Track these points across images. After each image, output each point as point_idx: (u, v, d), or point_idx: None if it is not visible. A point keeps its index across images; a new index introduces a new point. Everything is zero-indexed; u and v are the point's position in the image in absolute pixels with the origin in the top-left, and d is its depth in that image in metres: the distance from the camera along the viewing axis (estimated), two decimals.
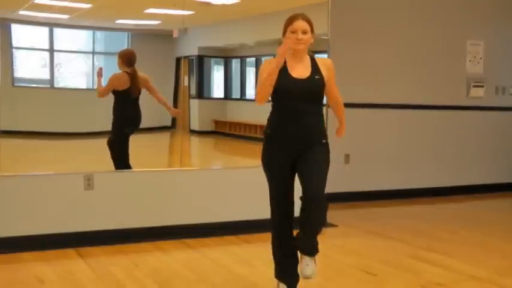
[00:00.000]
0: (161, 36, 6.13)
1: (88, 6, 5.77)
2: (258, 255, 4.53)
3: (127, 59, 5.28)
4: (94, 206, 4.76)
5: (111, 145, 5.23)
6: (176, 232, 4.94)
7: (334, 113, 3.56)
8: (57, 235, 4.62)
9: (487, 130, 7.76)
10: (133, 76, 5.22)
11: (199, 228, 5.03)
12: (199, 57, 6.82)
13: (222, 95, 7.27)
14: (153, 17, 6.12)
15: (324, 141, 3.32)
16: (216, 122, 7.01)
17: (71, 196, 4.71)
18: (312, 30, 3.28)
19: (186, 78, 6.69)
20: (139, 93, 5.30)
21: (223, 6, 6.28)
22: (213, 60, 7.20)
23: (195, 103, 6.83)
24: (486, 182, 7.73)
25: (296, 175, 3.35)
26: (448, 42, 7.36)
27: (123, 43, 6.21)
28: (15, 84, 5.75)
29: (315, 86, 3.28)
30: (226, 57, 7.19)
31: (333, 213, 5.72)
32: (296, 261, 3.42)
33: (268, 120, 3.37)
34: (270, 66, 3.19)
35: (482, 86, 7.61)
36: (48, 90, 5.99)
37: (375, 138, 7.03)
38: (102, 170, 4.96)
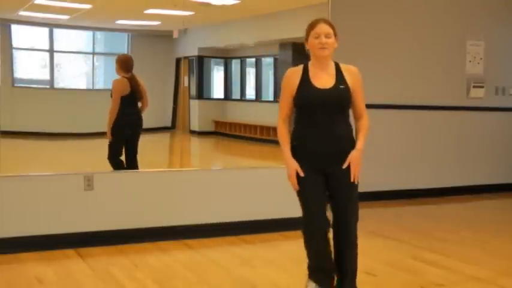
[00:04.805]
0: (161, 37, 6.13)
1: (88, 6, 5.77)
2: (258, 255, 4.52)
3: (125, 64, 5.22)
4: (94, 206, 4.75)
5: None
6: (176, 232, 4.94)
7: (355, 129, 3.28)
8: (57, 235, 4.61)
9: (487, 131, 7.75)
10: (132, 81, 5.17)
11: (199, 228, 5.02)
12: (199, 58, 6.82)
13: (222, 96, 7.26)
14: (153, 18, 6.12)
15: None
16: (216, 123, 7.01)
17: (71, 196, 4.70)
18: (335, 34, 3.14)
19: (186, 78, 6.69)
20: (141, 99, 5.24)
21: (223, 6, 6.28)
22: (213, 60, 7.20)
23: (195, 103, 6.82)
24: (487, 183, 7.72)
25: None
26: (448, 42, 7.36)
27: (123, 44, 6.22)
28: (15, 85, 5.75)
29: (339, 96, 3.12)
30: (226, 57, 7.19)
31: None
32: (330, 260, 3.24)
33: (293, 132, 3.18)
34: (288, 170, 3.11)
35: (482, 87, 7.61)
36: (48, 91, 5.99)
37: (375, 138, 6.97)
38: (102, 170, 4.96)
